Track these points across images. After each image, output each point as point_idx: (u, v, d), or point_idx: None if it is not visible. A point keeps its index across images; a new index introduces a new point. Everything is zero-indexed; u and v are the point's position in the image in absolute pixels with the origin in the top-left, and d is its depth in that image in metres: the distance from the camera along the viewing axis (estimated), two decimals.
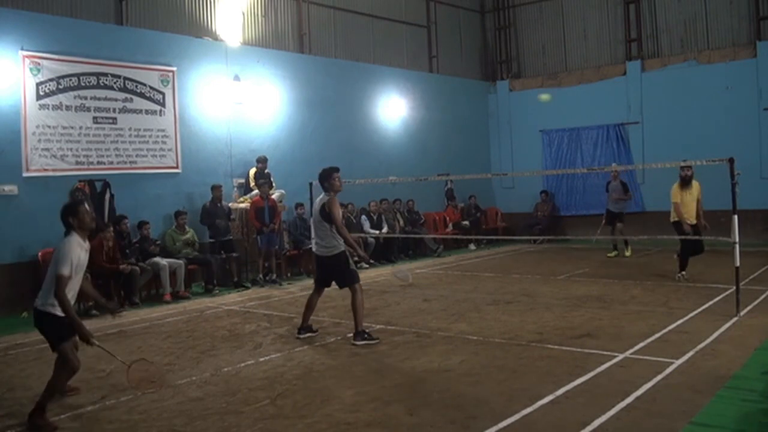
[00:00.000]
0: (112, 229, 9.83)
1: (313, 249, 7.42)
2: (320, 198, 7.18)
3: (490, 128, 19.18)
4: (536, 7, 18.59)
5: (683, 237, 9.73)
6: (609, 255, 13.31)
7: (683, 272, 10.15)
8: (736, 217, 7.51)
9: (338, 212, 6.96)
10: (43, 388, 4.91)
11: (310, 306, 7.37)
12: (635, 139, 16.59)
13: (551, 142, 17.91)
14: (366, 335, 6.90)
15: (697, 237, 9.84)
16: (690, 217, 9.90)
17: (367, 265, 13.20)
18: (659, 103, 16.17)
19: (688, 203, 9.92)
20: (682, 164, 9.57)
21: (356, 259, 7.83)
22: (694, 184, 10.01)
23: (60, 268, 4.78)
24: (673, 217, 10.06)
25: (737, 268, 7.46)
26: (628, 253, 13.36)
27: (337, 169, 7.20)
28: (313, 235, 7.36)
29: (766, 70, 14.73)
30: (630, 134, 16.72)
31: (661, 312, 7.79)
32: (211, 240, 11.46)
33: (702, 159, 8.61)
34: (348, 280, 7.07)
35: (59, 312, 4.87)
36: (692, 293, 8.91)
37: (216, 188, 11.55)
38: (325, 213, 6.95)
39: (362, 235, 13.68)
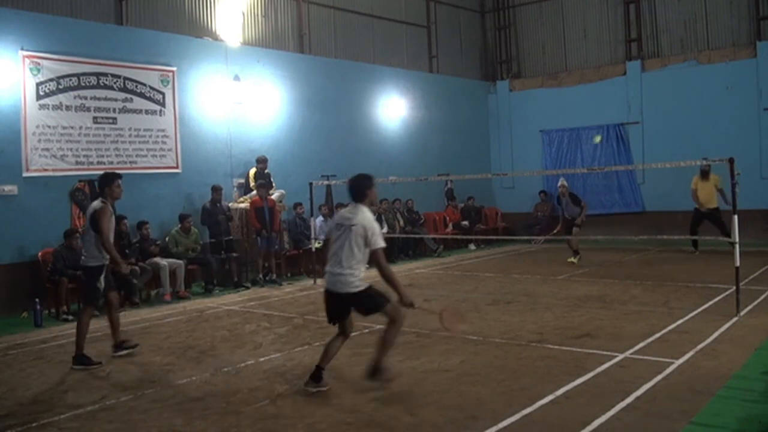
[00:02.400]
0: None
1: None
2: (93, 204, 6.62)
3: (490, 128, 19.17)
4: (536, 7, 18.59)
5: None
6: (570, 260, 12.47)
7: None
8: (736, 217, 7.52)
9: (107, 224, 6.44)
10: (378, 349, 5.26)
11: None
12: (635, 139, 16.58)
13: (551, 142, 17.90)
14: (84, 359, 6.42)
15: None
16: (705, 202, 12.82)
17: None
18: (659, 103, 16.17)
19: (702, 190, 12.82)
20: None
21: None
22: (712, 176, 12.66)
23: (380, 242, 5.11)
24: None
25: (737, 268, 7.46)
26: (573, 259, 12.44)
27: (119, 176, 6.77)
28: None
29: (766, 70, 14.73)
30: (630, 134, 16.71)
31: (661, 312, 7.79)
32: (212, 240, 11.45)
33: (702, 159, 8.63)
34: (84, 297, 6.80)
35: (364, 285, 5.16)
36: (692, 293, 8.91)
37: (216, 190, 11.54)
38: (95, 221, 6.44)
39: None
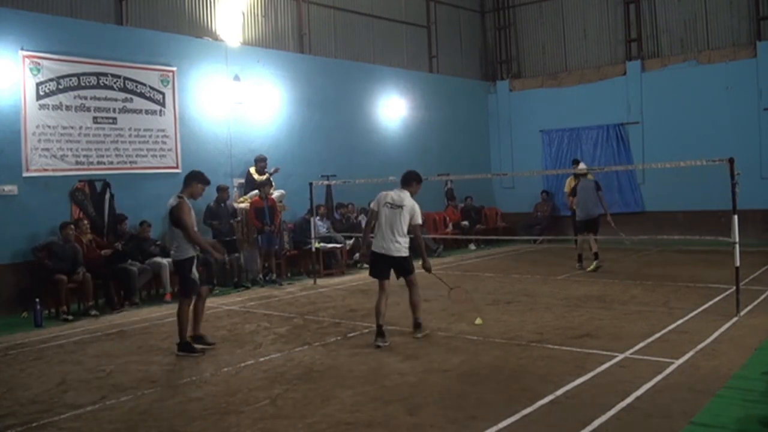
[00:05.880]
0: (86, 222, 9.92)
1: None
2: (170, 201, 6.85)
3: (490, 128, 19.17)
4: (536, 7, 18.60)
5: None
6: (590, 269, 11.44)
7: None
8: (736, 217, 7.51)
9: (188, 218, 6.67)
10: (414, 308, 7.10)
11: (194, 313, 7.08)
12: (635, 139, 16.58)
13: (551, 142, 17.90)
14: (188, 347, 6.77)
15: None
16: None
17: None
18: (659, 103, 16.16)
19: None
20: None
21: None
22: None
23: (420, 219, 7.00)
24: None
25: (737, 268, 7.46)
26: (590, 267, 11.43)
27: (207, 182, 7.16)
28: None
29: (766, 70, 14.72)
30: (630, 134, 16.71)
31: (661, 312, 7.79)
32: (214, 240, 11.42)
33: (702, 159, 8.62)
34: (181, 289, 6.98)
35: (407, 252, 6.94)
36: (692, 293, 8.92)
37: (222, 189, 11.53)
38: (174, 217, 6.67)
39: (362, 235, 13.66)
